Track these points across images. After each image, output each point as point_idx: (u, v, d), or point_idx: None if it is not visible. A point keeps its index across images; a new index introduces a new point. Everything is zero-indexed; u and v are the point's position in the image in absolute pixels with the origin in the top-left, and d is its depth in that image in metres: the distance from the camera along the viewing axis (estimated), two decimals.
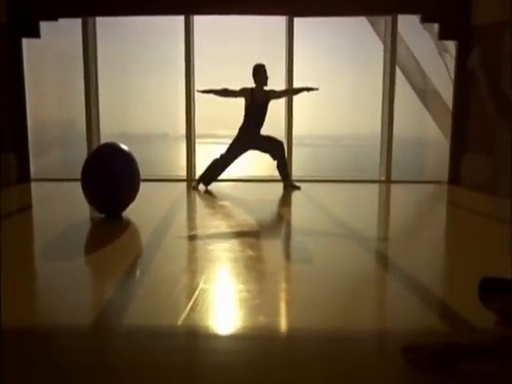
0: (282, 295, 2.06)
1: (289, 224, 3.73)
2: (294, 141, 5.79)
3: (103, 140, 5.71)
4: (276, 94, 5.19)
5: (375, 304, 2.04)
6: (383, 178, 5.90)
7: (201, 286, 2.09)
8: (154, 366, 1.38)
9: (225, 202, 4.65)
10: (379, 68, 6.00)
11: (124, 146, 3.66)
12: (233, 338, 1.62)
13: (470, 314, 1.69)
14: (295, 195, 4.92)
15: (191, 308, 1.82)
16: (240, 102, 5.09)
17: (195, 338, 1.63)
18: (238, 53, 6.58)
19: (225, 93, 5.01)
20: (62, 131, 6.87)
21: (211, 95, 5.01)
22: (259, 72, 5.01)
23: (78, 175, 3.54)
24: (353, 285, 2.21)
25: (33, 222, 3.79)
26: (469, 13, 5.31)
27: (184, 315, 1.75)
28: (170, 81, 5.84)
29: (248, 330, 1.66)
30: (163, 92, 6.28)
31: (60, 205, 4.59)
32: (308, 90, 5.06)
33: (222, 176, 5.28)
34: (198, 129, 5.97)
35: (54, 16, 5.34)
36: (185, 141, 5.89)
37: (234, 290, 2.10)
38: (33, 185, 5.58)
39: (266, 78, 5.02)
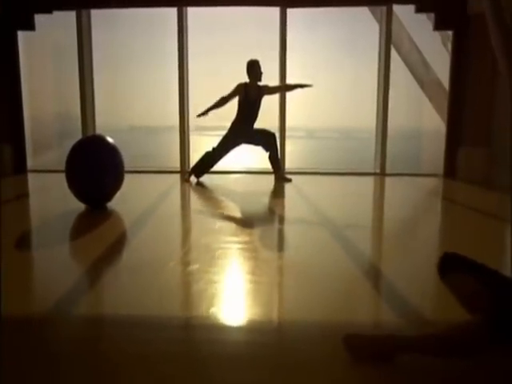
0: (259, 286, 2.08)
1: (276, 215, 3.74)
2: (304, 134, 5.77)
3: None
4: (270, 90, 5.15)
5: (369, 300, 2.01)
6: (378, 171, 5.86)
7: (166, 275, 2.13)
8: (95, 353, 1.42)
9: (214, 194, 4.67)
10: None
11: (109, 139, 3.69)
12: (184, 327, 1.65)
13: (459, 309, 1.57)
14: (286, 187, 4.91)
15: (153, 296, 1.85)
16: None
17: (148, 326, 1.65)
18: (234, 46, 6.58)
19: (222, 101, 4.99)
20: (61, 125, 6.94)
21: (211, 112, 5.00)
22: (253, 67, 4.98)
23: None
24: (338, 279, 2.21)
25: (21, 213, 3.84)
26: (465, 2, 5.21)
27: (143, 304, 1.78)
28: (176, 74, 5.88)
29: (203, 320, 1.69)
30: (170, 85, 6.31)
31: (50, 195, 4.65)
32: (302, 86, 5.00)
33: (214, 168, 5.29)
34: (203, 121, 5.99)
35: (48, 8, 5.38)
36: (191, 133, 5.98)
37: (199, 280, 2.10)
38: (30, 176, 5.67)
39: (261, 73, 4.99)
